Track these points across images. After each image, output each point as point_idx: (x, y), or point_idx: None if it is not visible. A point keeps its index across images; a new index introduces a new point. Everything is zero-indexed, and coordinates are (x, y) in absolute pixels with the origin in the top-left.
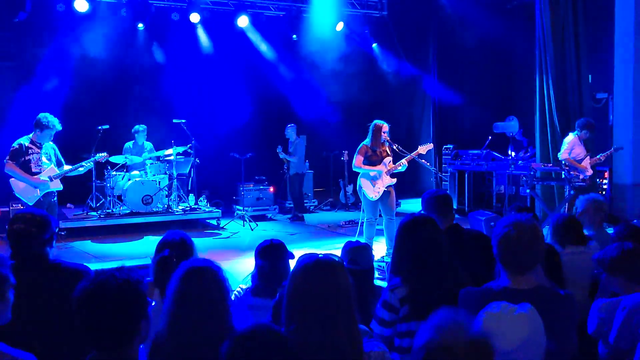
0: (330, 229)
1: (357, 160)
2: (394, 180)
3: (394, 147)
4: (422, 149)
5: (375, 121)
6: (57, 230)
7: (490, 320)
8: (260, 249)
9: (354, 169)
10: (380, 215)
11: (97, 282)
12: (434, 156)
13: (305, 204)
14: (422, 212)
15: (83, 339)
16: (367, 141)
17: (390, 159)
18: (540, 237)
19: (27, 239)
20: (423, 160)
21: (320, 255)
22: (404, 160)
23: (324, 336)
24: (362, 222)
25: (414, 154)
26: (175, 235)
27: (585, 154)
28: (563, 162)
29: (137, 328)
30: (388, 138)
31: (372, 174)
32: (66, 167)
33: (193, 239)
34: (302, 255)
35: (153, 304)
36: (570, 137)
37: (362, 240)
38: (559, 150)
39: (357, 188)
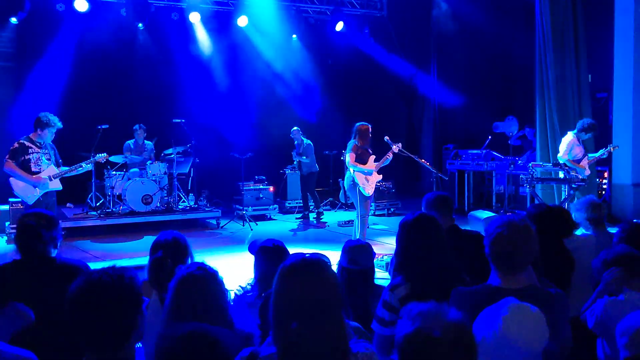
0: (330, 228)
1: (352, 157)
2: (381, 177)
3: (393, 147)
4: (395, 148)
5: (361, 123)
6: (62, 238)
7: (512, 320)
8: (261, 250)
9: (349, 167)
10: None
11: (91, 279)
12: (434, 156)
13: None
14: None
15: (78, 339)
16: (355, 141)
17: (374, 157)
18: (532, 238)
19: (33, 233)
20: (423, 160)
21: (306, 255)
22: (381, 161)
23: (309, 336)
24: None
25: (389, 153)
26: (167, 236)
27: (584, 153)
28: (562, 163)
29: (134, 324)
30: (388, 137)
31: (366, 171)
32: (65, 168)
33: (193, 238)
34: (289, 256)
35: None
36: (569, 137)
37: (358, 237)
38: (558, 151)
39: (348, 186)
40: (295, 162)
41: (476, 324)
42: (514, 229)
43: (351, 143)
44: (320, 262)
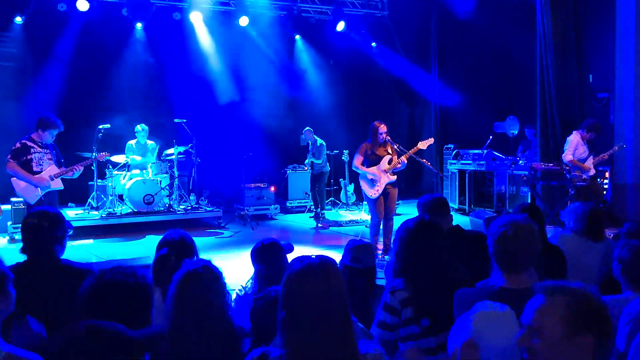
0: (332, 228)
1: (357, 159)
2: (394, 178)
3: (395, 147)
4: (423, 144)
5: (374, 122)
6: (70, 232)
7: (483, 319)
8: (253, 252)
9: (352, 168)
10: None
11: (105, 279)
12: (435, 156)
13: (307, 203)
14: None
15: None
16: (368, 141)
17: (389, 157)
18: (536, 237)
19: (38, 233)
20: (424, 160)
21: (312, 257)
22: (403, 157)
23: (318, 339)
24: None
25: (413, 149)
26: (174, 234)
27: (589, 153)
28: (565, 162)
29: (146, 321)
30: (388, 137)
31: (369, 176)
32: (66, 168)
33: (194, 238)
34: (294, 258)
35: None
36: (574, 137)
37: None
38: (562, 150)
39: (361, 188)
40: (307, 162)
41: (452, 333)
42: (517, 228)
43: (362, 143)
44: (326, 264)
